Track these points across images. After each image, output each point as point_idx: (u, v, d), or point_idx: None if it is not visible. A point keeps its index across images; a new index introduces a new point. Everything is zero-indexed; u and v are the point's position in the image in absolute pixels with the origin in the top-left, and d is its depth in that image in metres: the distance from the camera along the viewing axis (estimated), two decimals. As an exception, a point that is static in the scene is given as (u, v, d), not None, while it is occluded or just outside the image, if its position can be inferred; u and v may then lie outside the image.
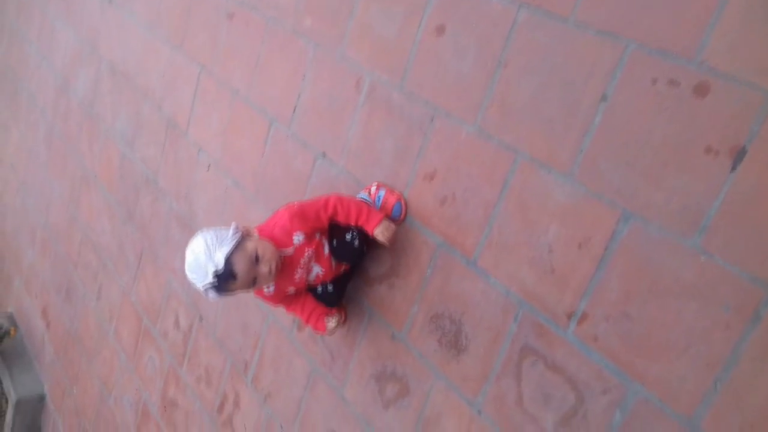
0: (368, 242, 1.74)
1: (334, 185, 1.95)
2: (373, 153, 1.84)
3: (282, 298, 1.79)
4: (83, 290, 3.58)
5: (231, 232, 1.58)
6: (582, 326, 1.35)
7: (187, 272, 1.59)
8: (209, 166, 2.55)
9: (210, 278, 1.53)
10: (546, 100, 1.42)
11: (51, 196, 4.00)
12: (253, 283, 1.60)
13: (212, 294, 1.58)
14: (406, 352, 1.74)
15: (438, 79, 1.66)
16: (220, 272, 1.52)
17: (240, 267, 1.54)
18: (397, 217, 1.74)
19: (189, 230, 2.64)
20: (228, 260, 1.53)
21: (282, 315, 2.16)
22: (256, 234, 1.64)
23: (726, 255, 1.14)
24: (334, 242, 1.73)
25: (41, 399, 4.03)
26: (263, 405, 2.25)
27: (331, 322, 1.77)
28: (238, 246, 1.56)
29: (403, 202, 1.73)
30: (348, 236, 1.71)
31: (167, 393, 2.84)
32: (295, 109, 2.12)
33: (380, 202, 1.75)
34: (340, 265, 1.78)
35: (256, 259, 1.57)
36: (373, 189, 1.78)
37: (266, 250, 1.59)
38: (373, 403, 1.83)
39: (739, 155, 1.12)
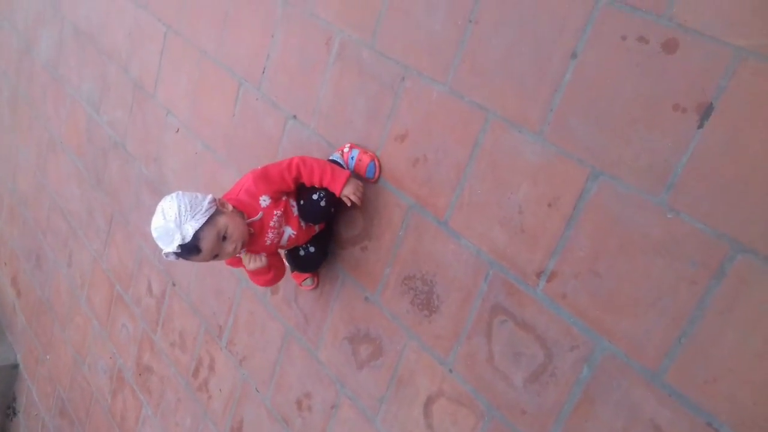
0: (337, 202, 1.72)
1: (305, 148, 1.93)
2: (345, 114, 1.81)
3: None
4: (53, 257, 3.52)
5: (206, 204, 1.53)
6: (551, 284, 1.36)
7: (153, 230, 1.56)
8: (178, 129, 2.50)
9: (174, 247, 1.51)
10: (517, 58, 1.40)
11: (17, 161, 3.90)
12: (214, 258, 1.59)
13: (171, 257, 1.56)
14: (379, 314, 1.74)
15: (409, 37, 1.63)
16: (186, 244, 1.51)
17: (206, 243, 1.52)
18: (371, 177, 1.72)
19: (160, 195, 2.59)
20: (196, 234, 1.50)
21: (255, 279, 2.15)
22: (230, 207, 1.60)
23: (693, 211, 1.15)
24: (301, 202, 1.71)
25: (14, 367, 4.00)
26: (238, 368, 2.26)
27: (307, 281, 1.76)
28: (210, 220, 1.52)
29: (377, 162, 1.71)
30: (315, 196, 1.69)
31: (142, 359, 2.83)
32: (264, 70, 2.07)
33: (354, 162, 1.73)
34: (311, 226, 1.77)
35: (224, 237, 1.55)
36: (346, 149, 1.76)
37: (235, 230, 1.56)
38: (347, 364, 1.84)
39: (706, 112, 1.12)
